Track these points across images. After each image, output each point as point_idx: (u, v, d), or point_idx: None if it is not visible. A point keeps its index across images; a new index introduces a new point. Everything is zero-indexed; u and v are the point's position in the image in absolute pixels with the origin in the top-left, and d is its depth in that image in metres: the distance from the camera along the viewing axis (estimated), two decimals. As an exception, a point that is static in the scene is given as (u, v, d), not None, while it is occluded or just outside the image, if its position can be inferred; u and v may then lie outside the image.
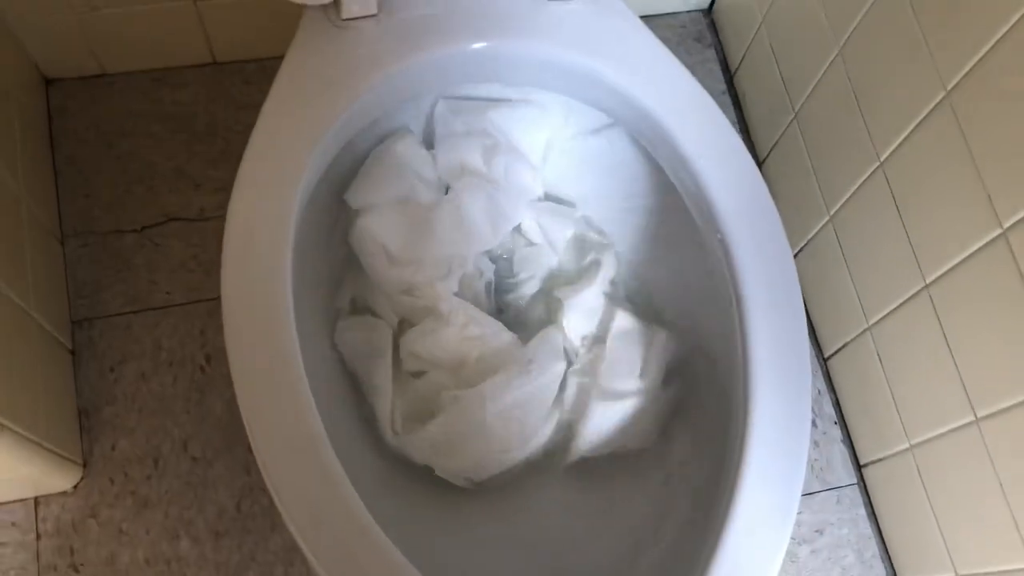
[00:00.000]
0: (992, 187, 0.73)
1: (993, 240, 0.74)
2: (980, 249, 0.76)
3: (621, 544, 0.71)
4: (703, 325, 0.74)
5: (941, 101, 0.77)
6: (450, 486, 0.76)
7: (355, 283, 0.79)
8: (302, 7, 0.70)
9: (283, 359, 0.60)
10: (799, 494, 0.62)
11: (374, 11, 0.68)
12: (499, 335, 0.79)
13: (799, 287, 0.66)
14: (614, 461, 0.78)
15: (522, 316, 0.85)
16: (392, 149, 0.76)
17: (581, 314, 0.78)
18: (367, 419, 0.76)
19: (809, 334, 1.07)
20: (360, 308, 0.79)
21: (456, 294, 0.78)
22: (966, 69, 0.73)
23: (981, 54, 0.71)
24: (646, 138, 0.72)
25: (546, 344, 0.78)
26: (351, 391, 0.77)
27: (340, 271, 0.78)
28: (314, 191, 0.67)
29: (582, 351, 0.80)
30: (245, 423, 0.60)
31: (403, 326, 0.78)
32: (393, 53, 0.68)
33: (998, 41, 0.69)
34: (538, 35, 0.69)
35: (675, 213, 0.72)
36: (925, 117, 0.80)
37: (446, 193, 0.80)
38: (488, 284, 0.84)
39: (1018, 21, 0.67)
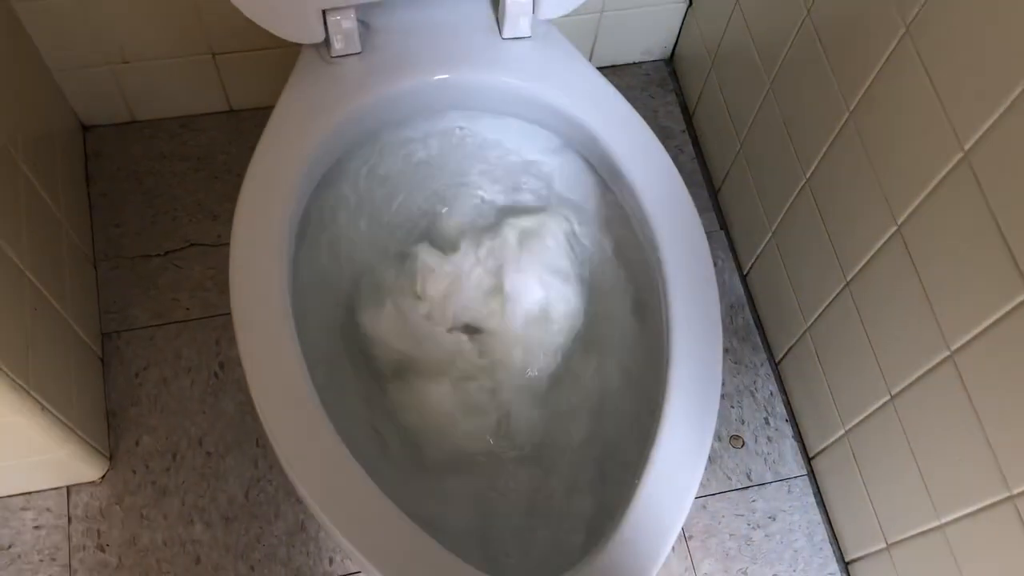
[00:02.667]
0: (888, 190, 0.85)
1: (889, 238, 0.86)
2: (887, 241, 0.88)
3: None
4: (637, 295, 0.86)
5: (846, 121, 0.90)
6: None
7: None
8: (299, 49, 0.85)
9: (281, 340, 0.72)
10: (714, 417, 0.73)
11: (358, 49, 0.82)
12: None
13: (710, 259, 0.77)
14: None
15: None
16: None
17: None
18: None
19: (761, 341, 1.19)
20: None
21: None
22: (861, 92, 0.87)
23: (875, 71, 0.84)
24: (587, 151, 0.85)
25: None
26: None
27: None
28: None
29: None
30: (247, 374, 0.72)
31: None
32: (374, 83, 0.82)
33: (891, 53, 0.82)
34: (494, 67, 0.83)
35: (613, 211, 0.86)
36: (836, 136, 0.93)
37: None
38: None
39: (889, 54, 0.80)
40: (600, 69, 1.34)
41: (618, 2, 1.23)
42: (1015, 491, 0.75)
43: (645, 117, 1.31)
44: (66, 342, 1.00)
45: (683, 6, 1.26)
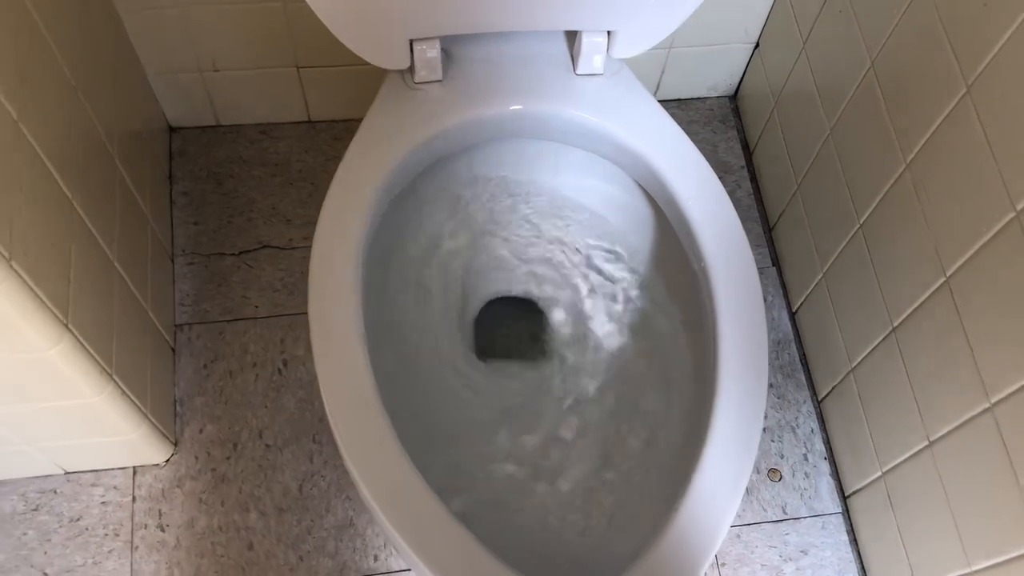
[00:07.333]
0: (939, 243, 0.88)
1: (936, 289, 0.89)
2: (935, 292, 0.90)
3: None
4: (686, 324, 0.90)
5: (903, 172, 0.93)
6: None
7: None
8: (384, 72, 0.90)
9: (350, 337, 0.77)
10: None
11: (440, 77, 0.87)
12: None
13: (762, 302, 0.81)
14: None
15: None
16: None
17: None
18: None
19: (805, 378, 1.22)
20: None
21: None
22: (919, 145, 0.89)
23: (934, 126, 0.87)
24: (649, 185, 0.89)
25: None
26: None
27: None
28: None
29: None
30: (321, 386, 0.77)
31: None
32: (453, 110, 0.87)
33: (951, 110, 0.85)
34: (566, 101, 0.88)
35: (670, 243, 0.89)
36: (891, 186, 0.95)
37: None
38: None
39: (948, 111, 0.83)
40: (666, 102, 1.40)
41: (687, 39, 1.27)
42: (1045, 544, 0.77)
43: (706, 150, 1.36)
44: (144, 331, 1.06)
45: (750, 47, 1.30)
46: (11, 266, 0.71)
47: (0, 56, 0.73)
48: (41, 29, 0.83)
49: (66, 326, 0.80)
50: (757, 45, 1.29)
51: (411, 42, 0.84)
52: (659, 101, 1.37)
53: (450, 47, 0.88)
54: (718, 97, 1.41)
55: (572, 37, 0.89)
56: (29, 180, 0.77)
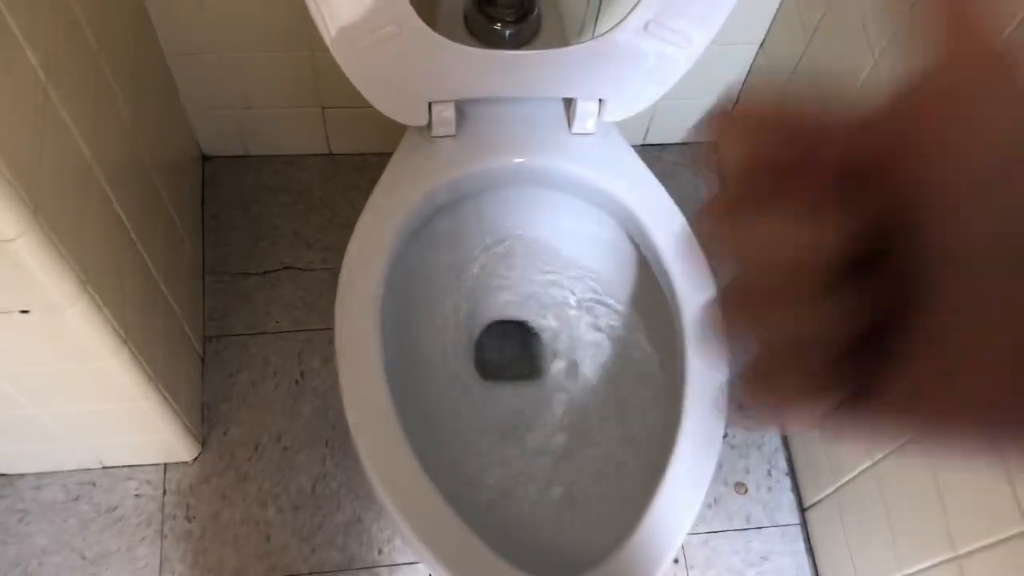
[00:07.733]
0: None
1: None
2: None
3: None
4: (661, 353, 1.03)
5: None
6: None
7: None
8: (405, 125, 1.03)
9: (368, 350, 0.90)
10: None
11: (453, 133, 1.00)
12: None
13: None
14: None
15: None
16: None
17: None
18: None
19: (771, 402, 1.35)
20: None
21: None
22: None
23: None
24: (631, 230, 1.03)
25: None
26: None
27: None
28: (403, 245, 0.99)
29: None
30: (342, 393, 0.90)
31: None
32: (464, 161, 1.00)
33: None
34: (561, 156, 1.01)
35: (648, 282, 1.03)
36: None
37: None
38: None
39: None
40: (652, 146, 1.53)
41: (674, 92, 1.39)
42: (959, 551, 0.90)
43: (688, 190, 1.49)
44: (180, 343, 1.19)
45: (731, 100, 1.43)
46: (86, 289, 0.83)
47: (81, 108, 0.86)
48: (110, 82, 0.96)
49: (124, 341, 0.93)
50: (738, 99, 1.42)
51: (429, 103, 0.97)
52: (647, 145, 1.52)
53: (463, 107, 1.02)
54: (702, 143, 1.53)
55: (568, 102, 1.03)
56: (97, 212, 0.90)
